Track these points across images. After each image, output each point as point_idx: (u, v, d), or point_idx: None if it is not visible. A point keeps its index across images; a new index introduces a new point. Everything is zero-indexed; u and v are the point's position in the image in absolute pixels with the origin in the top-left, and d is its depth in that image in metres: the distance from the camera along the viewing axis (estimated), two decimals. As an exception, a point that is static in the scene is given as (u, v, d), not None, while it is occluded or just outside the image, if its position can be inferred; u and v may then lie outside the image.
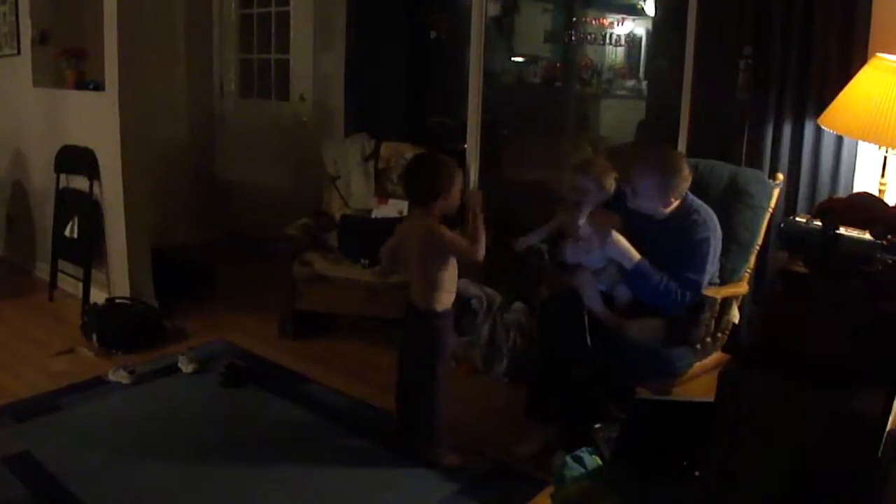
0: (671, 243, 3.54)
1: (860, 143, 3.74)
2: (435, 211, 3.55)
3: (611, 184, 3.70)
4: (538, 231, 3.88)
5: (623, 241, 3.58)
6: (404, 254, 3.69)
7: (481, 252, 3.54)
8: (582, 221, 3.65)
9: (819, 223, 3.04)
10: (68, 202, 5.69)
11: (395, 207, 5.45)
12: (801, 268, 2.96)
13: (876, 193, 3.45)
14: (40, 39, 5.90)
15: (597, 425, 3.41)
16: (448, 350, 3.73)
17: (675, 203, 3.55)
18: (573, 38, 5.72)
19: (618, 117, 6.07)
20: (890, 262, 2.75)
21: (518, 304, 4.63)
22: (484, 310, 4.65)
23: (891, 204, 3.11)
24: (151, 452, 3.75)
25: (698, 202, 3.60)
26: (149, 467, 3.63)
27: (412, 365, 3.74)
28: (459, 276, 3.72)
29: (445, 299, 3.63)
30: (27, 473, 3.53)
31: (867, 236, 2.94)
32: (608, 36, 5.49)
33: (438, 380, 3.65)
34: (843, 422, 2.39)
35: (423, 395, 3.69)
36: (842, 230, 2.98)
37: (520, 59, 6.33)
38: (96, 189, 5.44)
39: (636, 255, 3.57)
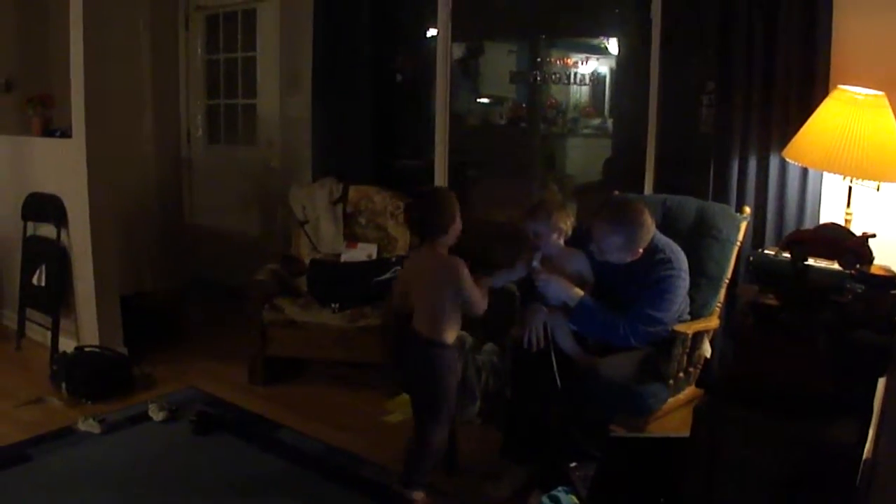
0: (635, 282, 3.58)
1: (825, 174, 3.78)
2: (446, 242, 3.55)
3: (566, 223, 3.74)
4: (501, 275, 3.90)
5: (561, 280, 3.65)
6: (411, 287, 3.67)
7: (484, 307, 3.55)
8: (536, 263, 3.68)
9: (788, 255, 3.06)
10: (35, 250, 5.64)
11: (364, 251, 5.44)
12: (771, 300, 2.98)
13: (842, 223, 3.48)
14: (6, 87, 5.89)
15: (572, 464, 3.40)
16: (451, 382, 3.63)
17: (641, 252, 3.59)
18: (538, 79, 5.76)
19: (584, 156, 6.11)
20: (859, 291, 2.77)
21: (490, 345, 4.62)
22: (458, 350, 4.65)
23: (857, 234, 3.14)
24: (123, 503, 3.70)
25: (664, 241, 3.63)
26: (120, 517, 3.58)
27: (419, 397, 3.71)
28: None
29: (452, 332, 3.57)
30: (-4, 526, 3.47)
31: (836, 266, 2.96)
32: (573, 75, 5.54)
33: (444, 413, 3.59)
34: (820, 452, 2.39)
35: (424, 425, 3.62)
36: (810, 261, 3.01)
37: (486, 101, 6.37)
38: (64, 236, 5.39)
39: (578, 293, 3.62)
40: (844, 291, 2.80)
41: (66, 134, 5.33)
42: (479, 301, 3.53)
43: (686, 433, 2.87)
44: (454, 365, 3.67)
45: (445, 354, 3.56)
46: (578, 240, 3.80)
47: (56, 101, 5.68)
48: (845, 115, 3.37)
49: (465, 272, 3.49)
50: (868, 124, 3.33)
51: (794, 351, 2.66)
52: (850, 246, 3.04)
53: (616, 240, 3.53)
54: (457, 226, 3.56)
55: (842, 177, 3.56)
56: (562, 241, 3.76)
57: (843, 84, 3.49)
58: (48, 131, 5.63)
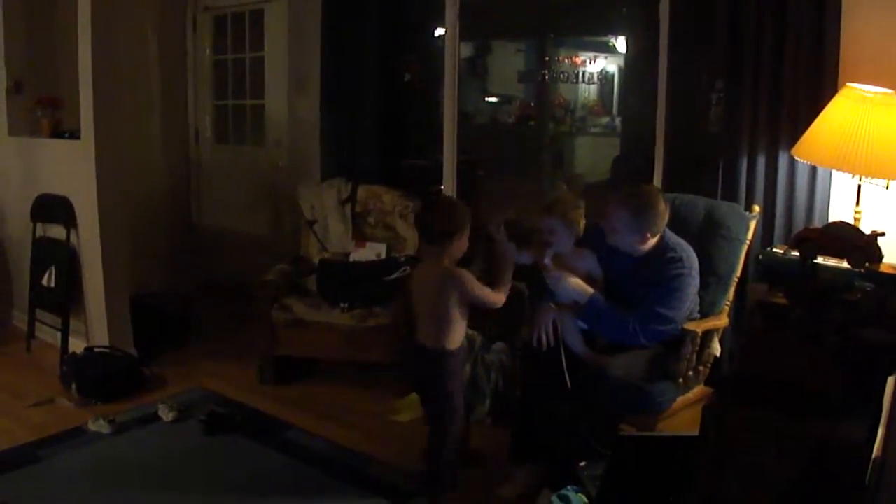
0: (646, 279, 3.57)
1: (834, 172, 3.77)
2: (451, 252, 3.58)
3: (579, 222, 3.74)
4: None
5: (572, 278, 3.65)
6: (415, 299, 3.70)
7: (501, 301, 3.61)
8: (547, 261, 3.69)
9: (797, 253, 3.06)
10: (45, 251, 5.65)
11: (372, 250, 5.44)
12: (780, 299, 2.97)
13: (851, 222, 3.47)
14: (15, 89, 5.89)
15: (582, 463, 3.40)
16: (460, 387, 3.74)
17: (653, 240, 3.58)
18: (546, 77, 5.76)
19: (593, 154, 6.11)
20: (868, 289, 2.76)
21: (499, 345, 4.62)
22: (465, 351, 4.64)
23: (866, 232, 3.13)
24: (133, 503, 3.71)
25: (676, 239, 3.62)
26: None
27: (429, 403, 3.81)
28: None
29: (456, 339, 3.63)
30: (6, 527, 3.47)
31: (845, 265, 2.96)
32: (581, 74, 5.54)
33: (455, 416, 3.67)
34: (829, 451, 2.39)
35: (436, 431, 3.70)
36: (819, 259, 3.00)
37: (494, 100, 6.37)
38: (73, 237, 5.41)
39: (588, 290, 3.63)
40: (853, 290, 2.79)
41: (74, 135, 5.34)
42: (494, 299, 3.59)
43: (696, 432, 2.86)
44: (459, 370, 3.74)
45: (450, 362, 3.63)
46: (588, 239, 3.80)
47: (65, 102, 5.70)
48: (854, 112, 3.36)
49: (470, 280, 3.55)
50: (877, 122, 3.32)
51: (803, 349, 2.66)
52: (859, 244, 3.04)
53: (626, 218, 3.53)
54: (463, 240, 3.59)
55: (851, 175, 3.55)
56: (574, 240, 3.76)
57: (852, 82, 3.48)
58: (57, 133, 5.65)
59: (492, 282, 3.62)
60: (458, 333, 3.62)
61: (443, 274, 3.55)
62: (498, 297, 3.60)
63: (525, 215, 3.97)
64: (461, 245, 3.59)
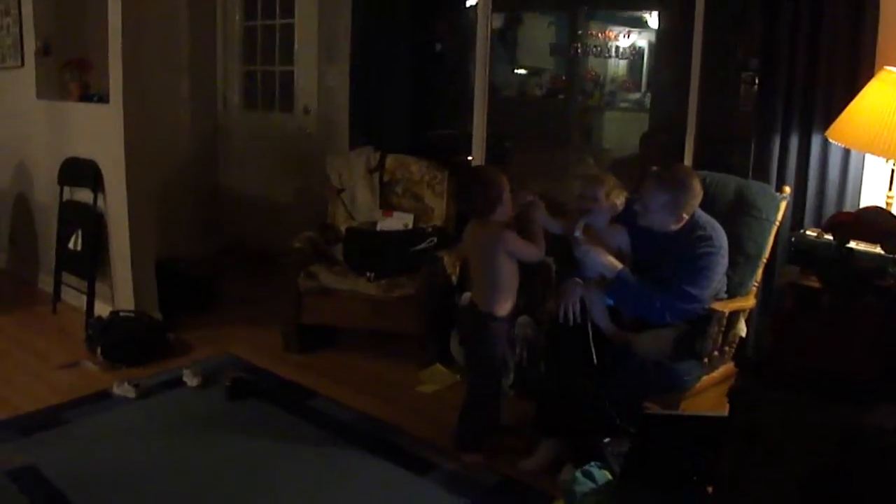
0: (675, 257, 3.56)
1: (867, 156, 3.74)
2: (495, 219, 3.74)
3: (619, 199, 3.74)
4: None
5: (600, 251, 3.65)
6: (469, 262, 4.07)
7: (541, 254, 3.77)
8: (578, 233, 3.67)
9: (830, 237, 3.03)
10: (72, 215, 5.68)
11: (400, 220, 5.43)
12: (812, 282, 2.95)
13: (884, 206, 3.44)
14: (44, 51, 5.90)
15: (606, 440, 3.40)
16: (501, 353, 3.94)
17: (685, 219, 3.56)
18: (577, 51, 5.72)
19: (621, 130, 6.08)
20: (902, 276, 2.74)
21: (524, 318, 4.60)
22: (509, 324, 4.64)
23: (900, 218, 3.11)
24: (158, 467, 3.74)
25: (706, 217, 3.60)
26: (155, 482, 3.61)
27: (469, 364, 4.14)
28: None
29: (505, 305, 3.83)
30: (32, 488, 3.50)
31: (878, 250, 2.93)
32: (612, 48, 5.50)
33: (489, 379, 3.92)
34: (858, 437, 2.38)
35: (471, 389, 3.95)
36: (853, 244, 2.98)
37: (524, 72, 6.34)
38: (100, 201, 5.43)
39: (617, 265, 3.62)
40: (887, 276, 2.77)
41: (103, 99, 5.35)
42: (535, 254, 3.77)
43: (719, 411, 2.86)
44: (502, 337, 3.91)
45: (495, 326, 3.83)
46: (621, 218, 3.79)
47: (93, 65, 5.69)
48: (891, 97, 3.31)
49: (511, 239, 3.71)
50: (914, 108, 3.28)
51: (835, 334, 2.64)
52: (892, 230, 3.01)
53: (663, 199, 3.51)
54: (505, 206, 3.72)
55: (885, 159, 3.52)
56: (609, 216, 3.75)
57: (890, 66, 3.44)
58: (85, 96, 5.65)
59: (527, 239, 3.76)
60: (506, 298, 3.81)
61: (490, 234, 3.74)
62: (538, 251, 3.74)
63: (558, 187, 3.97)
64: (505, 210, 3.74)
